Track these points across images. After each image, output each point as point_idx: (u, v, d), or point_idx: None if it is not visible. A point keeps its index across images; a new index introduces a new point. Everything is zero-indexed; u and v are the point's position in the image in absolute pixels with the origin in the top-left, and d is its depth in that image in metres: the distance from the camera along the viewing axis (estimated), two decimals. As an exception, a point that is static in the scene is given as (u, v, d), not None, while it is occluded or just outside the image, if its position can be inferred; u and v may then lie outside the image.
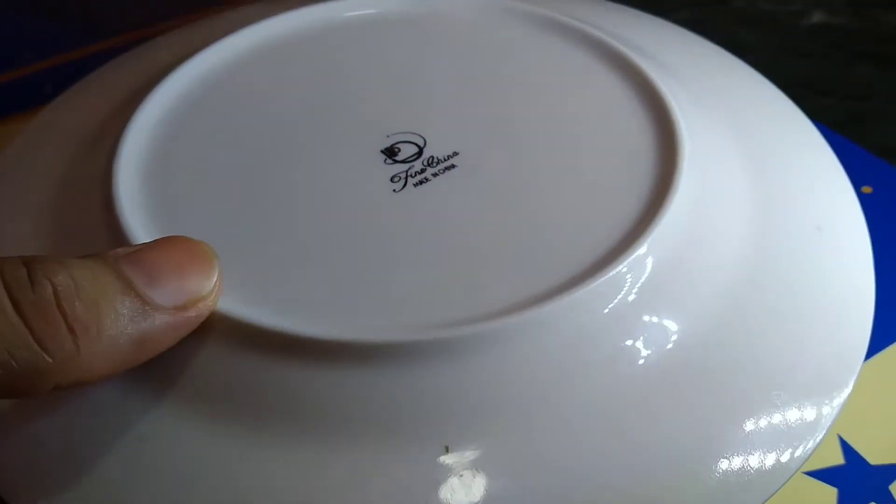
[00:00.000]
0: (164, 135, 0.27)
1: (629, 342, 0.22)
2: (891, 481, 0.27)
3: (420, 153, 0.26)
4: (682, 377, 0.22)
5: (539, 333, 0.22)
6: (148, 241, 0.22)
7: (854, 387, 0.24)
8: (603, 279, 0.22)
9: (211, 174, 0.26)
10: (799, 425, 0.22)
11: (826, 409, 0.23)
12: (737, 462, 0.21)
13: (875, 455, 0.28)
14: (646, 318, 0.23)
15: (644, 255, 0.23)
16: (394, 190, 0.25)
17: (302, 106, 0.28)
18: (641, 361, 0.22)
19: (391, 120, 0.27)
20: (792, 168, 0.28)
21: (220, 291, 0.22)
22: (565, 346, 0.22)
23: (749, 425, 0.22)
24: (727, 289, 0.24)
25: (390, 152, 0.26)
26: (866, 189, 0.36)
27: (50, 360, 0.19)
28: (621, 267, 0.22)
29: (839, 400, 0.23)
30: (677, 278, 0.23)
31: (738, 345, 0.23)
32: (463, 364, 0.21)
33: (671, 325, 0.23)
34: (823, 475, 0.27)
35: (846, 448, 0.28)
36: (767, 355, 0.23)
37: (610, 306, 0.22)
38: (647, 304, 0.23)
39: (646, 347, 0.22)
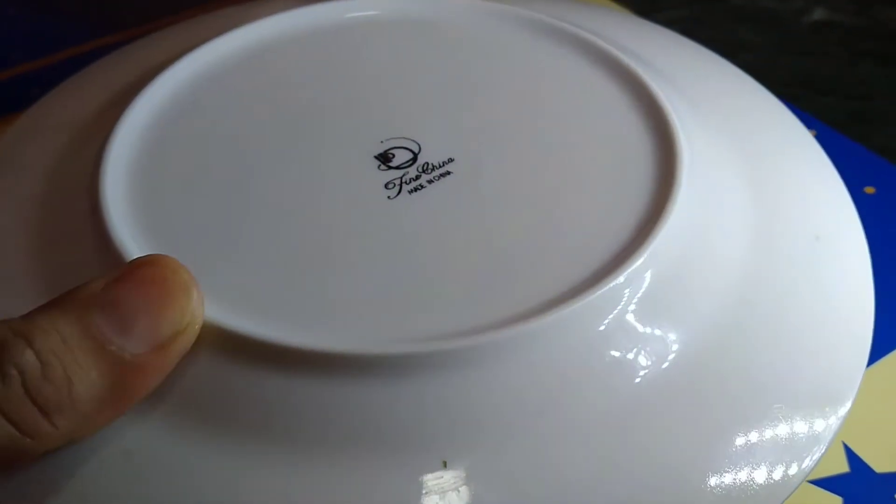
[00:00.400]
0: (154, 136, 0.27)
1: (627, 356, 0.22)
2: (897, 489, 0.27)
3: (415, 159, 0.26)
4: (681, 391, 0.22)
5: (534, 347, 0.21)
6: (126, 263, 0.21)
7: (858, 393, 0.23)
8: (600, 292, 0.22)
9: (201, 178, 0.25)
10: (800, 439, 0.22)
11: (828, 423, 0.22)
12: (738, 477, 0.21)
13: (880, 463, 0.27)
14: (644, 331, 0.22)
15: (642, 267, 0.22)
16: (388, 197, 0.25)
17: (295, 109, 0.28)
18: (640, 376, 0.22)
19: (385, 125, 0.27)
20: (790, 177, 0.28)
21: (200, 320, 0.21)
22: (562, 359, 0.21)
23: (750, 440, 0.22)
24: (726, 301, 0.23)
25: (384, 158, 0.26)
26: (869, 189, 0.36)
27: (31, 440, 0.19)
28: (619, 279, 0.22)
29: (841, 413, 0.23)
30: (676, 291, 0.23)
31: (737, 358, 0.23)
32: (457, 378, 0.21)
33: (670, 339, 0.22)
34: (828, 484, 0.27)
35: (851, 456, 0.27)
36: (767, 368, 0.23)
37: (607, 320, 0.22)
38: (646, 317, 0.22)
39: (644, 361, 0.22)
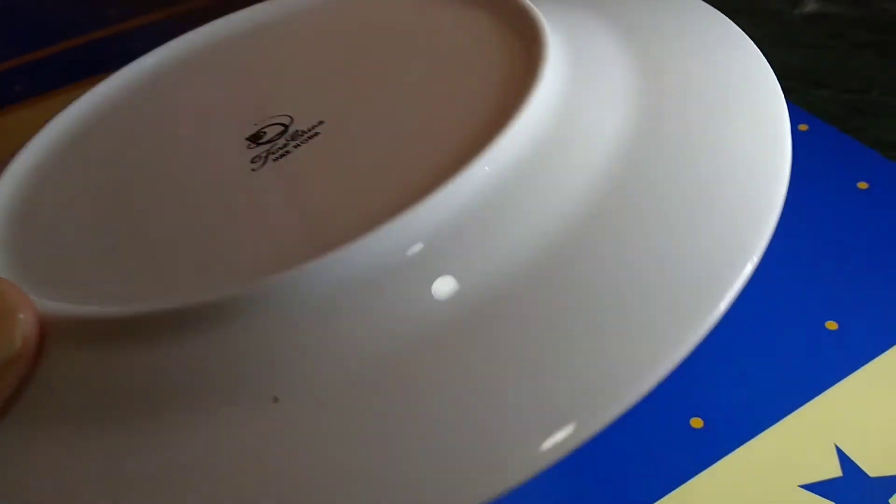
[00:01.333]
0: (43, 159, 0.28)
1: (455, 274, 0.20)
2: (891, 494, 0.26)
3: (285, 131, 0.26)
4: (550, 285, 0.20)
5: (325, 282, 0.20)
6: None
7: (851, 394, 0.22)
8: (406, 217, 0.20)
9: (77, 200, 0.26)
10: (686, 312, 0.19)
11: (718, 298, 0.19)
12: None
13: (874, 467, 0.27)
14: (492, 230, 0.20)
15: (497, 154, 0.21)
16: (252, 169, 0.25)
17: (172, 118, 0.29)
18: (473, 286, 0.20)
19: (260, 110, 0.27)
20: (683, 39, 0.27)
21: (34, 342, 0.20)
22: (368, 289, 0.20)
23: (629, 318, 0.19)
24: (604, 175, 0.21)
25: (255, 137, 0.26)
26: (862, 185, 0.35)
27: None
28: (472, 169, 0.20)
29: (749, 267, 0.20)
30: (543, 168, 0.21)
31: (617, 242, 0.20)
32: (256, 320, 0.20)
33: (528, 229, 0.20)
34: (820, 489, 0.26)
35: (844, 460, 0.27)
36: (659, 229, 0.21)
37: (423, 241, 0.20)
38: (495, 214, 0.20)
39: (483, 270, 0.20)
